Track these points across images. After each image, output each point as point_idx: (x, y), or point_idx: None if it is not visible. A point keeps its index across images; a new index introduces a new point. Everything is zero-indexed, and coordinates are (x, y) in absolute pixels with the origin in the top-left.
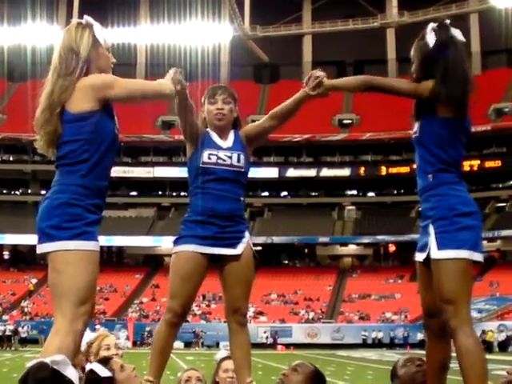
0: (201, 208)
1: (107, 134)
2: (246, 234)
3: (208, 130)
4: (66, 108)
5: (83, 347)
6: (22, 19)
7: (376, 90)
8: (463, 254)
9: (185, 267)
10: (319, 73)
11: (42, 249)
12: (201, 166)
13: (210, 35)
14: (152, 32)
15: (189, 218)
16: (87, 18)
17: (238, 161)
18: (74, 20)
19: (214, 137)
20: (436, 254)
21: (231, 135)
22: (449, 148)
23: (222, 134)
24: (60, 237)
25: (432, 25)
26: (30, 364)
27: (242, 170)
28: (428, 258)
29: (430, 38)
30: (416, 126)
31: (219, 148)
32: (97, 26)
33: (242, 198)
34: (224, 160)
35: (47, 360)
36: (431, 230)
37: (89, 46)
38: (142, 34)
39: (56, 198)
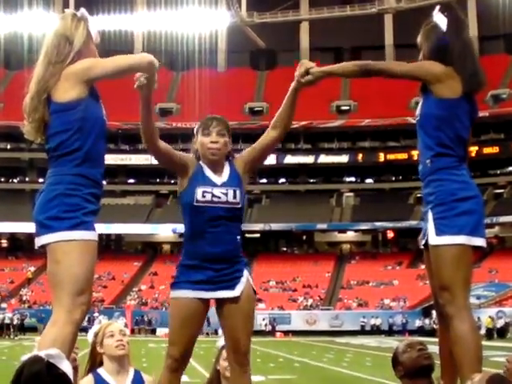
0: (193, 252)
1: (97, 119)
2: (245, 272)
3: (201, 163)
4: (52, 98)
5: (90, 338)
6: (19, 7)
7: (373, 73)
8: (461, 239)
9: (181, 314)
10: (308, 63)
11: (41, 241)
12: (195, 204)
13: (207, 22)
14: (149, 19)
15: (183, 262)
16: (83, 12)
17: (234, 197)
18: (70, 10)
19: (208, 172)
20: (434, 239)
21: (226, 169)
22: (448, 130)
23: (216, 168)
24: (59, 227)
25: (438, 8)
26: (24, 358)
27: (239, 205)
28: (427, 244)
29: (441, 22)
30: (418, 109)
31: (214, 185)
32: (91, 20)
33: (238, 237)
34: (219, 197)
35: (42, 354)
36: (430, 215)
37: (83, 38)
38: (139, 20)
39: (52, 189)
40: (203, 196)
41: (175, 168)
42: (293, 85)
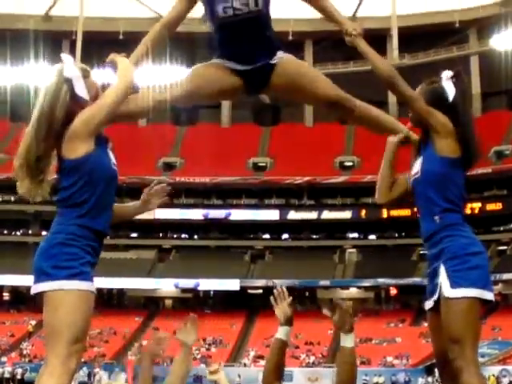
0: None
1: (104, 172)
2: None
3: None
4: (61, 156)
5: None
6: (25, 59)
7: (396, 90)
8: (474, 292)
9: None
10: (358, 28)
11: (38, 288)
12: (218, 22)
13: None
14: (151, 72)
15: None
16: (66, 72)
17: (256, 4)
18: (54, 77)
19: None
20: (449, 292)
21: None
22: (452, 186)
23: None
24: (57, 276)
25: (448, 73)
26: None
27: (264, 11)
28: (438, 301)
29: (450, 90)
30: (417, 167)
31: None
32: (77, 77)
33: (267, 33)
34: (241, 9)
35: None
36: (442, 269)
37: (64, 107)
38: (142, 73)
39: (53, 238)
40: (225, 12)
41: (193, 5)
42: (340, 19)
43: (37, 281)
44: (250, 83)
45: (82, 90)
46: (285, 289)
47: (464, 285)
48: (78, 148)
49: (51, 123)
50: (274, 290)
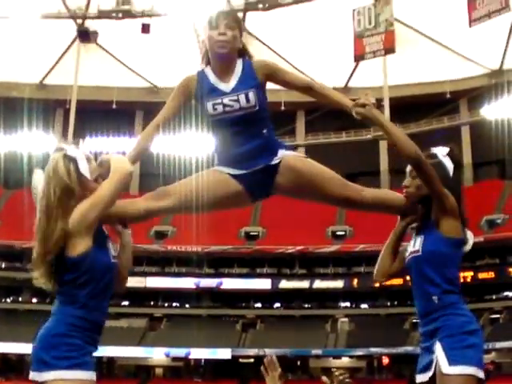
0: (223, 159)
1: (104, 268)
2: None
3: (205, 70)
4: (64, 253)
5: None
6: (19, 127)
7: (421, 170)
8: (471, 370)
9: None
10: (372, 99)
11: (37, 377)
12: (211, 119)
13: (204, 146)
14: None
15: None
16: (69, 151)
17: (248, 101)
18: (58, 155)
19: (213, 79)
20: (447, 369)
21: (237, 68)
22: (452, 268)
23: (225, 69)
24: (58, 366)
25: (444, 150)
26: None
27: (255, 108)
28: (433, 376)
29: (449, 166)
30: (417, 245)
31: (222, 94)
32: (81, 157)
33: (264, 131)
34: (231, 106)
35: None
36: (438, 346)
37: (76, 184)
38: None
39: (53, 327)
40: (214, 109)
41: (189, 102)
42: (345, 103)
43: (37, 369)
44: (253, 188)
45: (85, 170)
46: (275, 358)
47: (461, 362)
48: (76, 245)
49: (65, 202)
50: (264, 360)
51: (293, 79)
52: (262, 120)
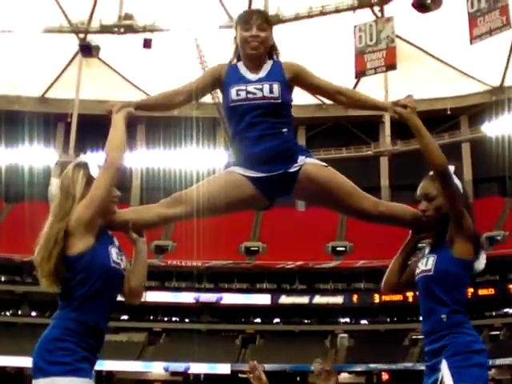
0: (241, 154)
1: (101, 270)
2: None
3: (236, 63)
4: (64, 252)
5: None
6: (20, 141)
7: (446, 182)
8: None
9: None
10: (413, 102)
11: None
12: (231, 105)
13: (204, 161)
14: (148, 157)
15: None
16: (82, 158)
17: (271, 91)
18: (72, 163)
19: (243, 70)
20: None
21: (267, 65)
22: (462, 288)
23: (254, 66)
24: (51, 372)
25: (451, 167)
26: None
27: (278, 100)
28: None
29: (458, 182)
30: (429, 264)
31: (248, 82)
32: (93, 163)
33: (284, 130)
34: (254, 93)
35: None
36: (444, 365)
37: (81, 188)
38: (139, 158)
39: (49, 333)
40: (237, 95)
41: (213, 89)
42: (382, 106)
43: (35, 377)
44: (269, 192)
45: (96, 175)
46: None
47: (467, 381)
48: (74, 245)
49: (68, 206)
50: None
51: (322, 83)
52: (283, 117)
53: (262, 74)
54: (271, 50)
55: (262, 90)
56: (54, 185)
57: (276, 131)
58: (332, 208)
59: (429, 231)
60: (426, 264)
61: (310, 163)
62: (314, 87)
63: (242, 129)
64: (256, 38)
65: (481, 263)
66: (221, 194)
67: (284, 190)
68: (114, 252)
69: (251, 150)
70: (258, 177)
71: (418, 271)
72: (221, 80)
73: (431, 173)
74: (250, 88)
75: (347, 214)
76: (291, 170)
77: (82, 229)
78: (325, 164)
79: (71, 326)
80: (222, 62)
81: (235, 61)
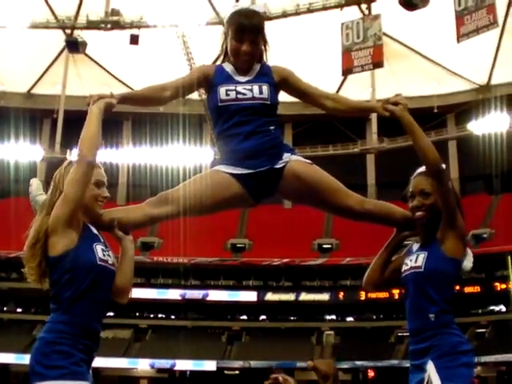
0: (228, 152)
1: (88, 269)
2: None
3: (223, 65)
4: (47, 252)
5: None
6: (5, 137)
7: (441, 179)
8: None
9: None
10: (404, 99)
11: None
12: (219, 105)
13: (191, 157)
14: (134, 154)
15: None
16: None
17: (261, 92)
18: (64, 163)
19: (231, 71)
20: None
21: (255, 68)
22: (451, 287)
23: (243, 70)
24: (47, 376)
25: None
26: None
27: (267, 101)
28: None
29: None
30: (419, 261)
31: (237, 82)
32: None
33: (271, 128)
34: (244, 94)
35: None
36: (431, 365)
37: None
38: (125, 155)
39: (44, 336)
40: (227, 94)
41: (199, 87)
42: (372, 106)
43: (31, 381)
44: (254, 190)
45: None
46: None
47: (455, 381)
48: (56, 244)
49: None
50: (280, 378)
51: (309, 89)
52: (271, 116)
53: (251, 75)
54: (260, 55)
55: (251, 90)
56: (35, 185)
57: (264, 129)
58: (317, 206)
59: (415, 230)
60: (415, 261)
61: (295, 160)
62: (301, 92)
63: (230, 127)
64: (247, 54)
65: (469, 262)
66: (207, 194)
67: (269, 188)
68: (99, 249)
69: (239, 146)
70: (244, 174)
71: (405, 268)
72: (208, 79)
73: (419, 170)
74: (240, 88)
75: (332, 212)
76: (277, 167)
77: (60, 227)
78: (310, 161)
79: (64, 329)
80: (210, 62)
81: (223, 59)
